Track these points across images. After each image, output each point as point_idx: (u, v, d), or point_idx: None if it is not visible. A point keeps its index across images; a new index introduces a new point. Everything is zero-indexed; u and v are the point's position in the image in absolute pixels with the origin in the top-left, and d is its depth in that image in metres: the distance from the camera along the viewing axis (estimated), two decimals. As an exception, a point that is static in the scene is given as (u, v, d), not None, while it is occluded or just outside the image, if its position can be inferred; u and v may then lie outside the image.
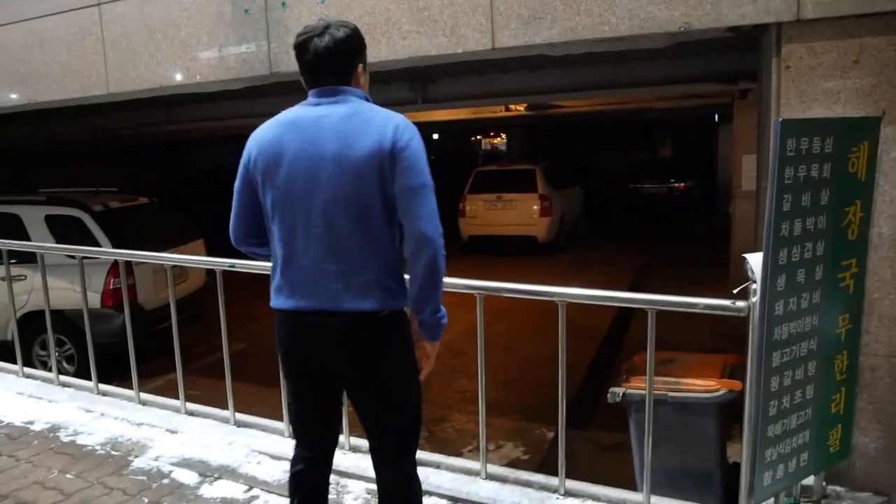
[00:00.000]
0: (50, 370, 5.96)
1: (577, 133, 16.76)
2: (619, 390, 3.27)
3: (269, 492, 2.88)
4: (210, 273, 7.14)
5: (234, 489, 2.92)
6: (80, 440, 3.42)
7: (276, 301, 1.95)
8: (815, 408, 2.51)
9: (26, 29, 4.62)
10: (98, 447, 3.33)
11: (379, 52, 3.28)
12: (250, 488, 2.92)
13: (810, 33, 2.63)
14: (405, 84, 7.05)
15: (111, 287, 5.88)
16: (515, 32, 2.99)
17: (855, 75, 2.60)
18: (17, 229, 6.09)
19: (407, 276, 1.91)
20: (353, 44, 1.89)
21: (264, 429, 3.39)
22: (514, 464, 4.35)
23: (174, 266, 6.48)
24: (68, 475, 3.07)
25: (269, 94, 7.23)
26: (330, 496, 2.24)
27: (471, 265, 10.94)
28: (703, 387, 3.11)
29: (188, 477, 3.03)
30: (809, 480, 2.66)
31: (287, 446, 3.17)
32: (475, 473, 2.89)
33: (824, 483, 2.77)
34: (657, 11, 2.79)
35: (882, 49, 2.55)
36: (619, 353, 6.64)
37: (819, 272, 2.40)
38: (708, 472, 3.20)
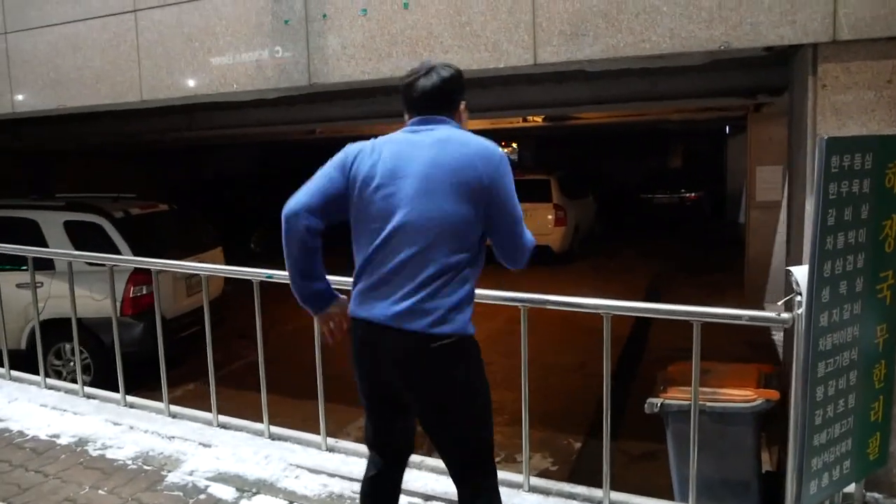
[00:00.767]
0: (65, 380, 6.04)
1: (590, 143, 16.83)
2: (657, 401, 3.31)
3: (311, 507, 2.86)
4: (229, 281, 7.21)
5: (274, 505, 2.89)
6: (110, 454, 3.35)
7: (359, 310, 1.99)
8: (857, 416, 2.56)
9: (58, 33, 4.69)
10: (129, 461, 3.27)
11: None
12: (291, 503, 2.91)
13: (846, 54, 2.70)
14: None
15: (131, 295, 5.90)
16: (558, 49, 3.06)
17: (888, 94, 2.66)
18: (35, 235, 6.07)
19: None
20: (457, 83, 2.05)
21: (300, 441, 3.39)
22: (543, 475, 4.38)
23: (193, 275, 6.63)
24: (100, 491, 3.00)
25: (295, 103, 7.32)
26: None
27: (486, 275, 10.96)
28: (740, 397, 3.15)
29: (225, 492, 2.98)
30: (850, 488, 2.70)
31: (324, 460, 3.20)
32: (517, 486, 2.92)
33: (864, 490, 2.81)
34: (697, 31, 2.85)
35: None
36: (641, 361, 6.69)
37: (859, 284, 2.45)
38: (746, 481, 3.25)
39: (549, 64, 3.11)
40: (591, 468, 5.05)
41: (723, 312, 2.52)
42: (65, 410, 3.90)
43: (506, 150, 26.46)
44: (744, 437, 3.21)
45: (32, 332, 5.93)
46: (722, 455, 3.24)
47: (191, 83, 4.16)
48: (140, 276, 5.81)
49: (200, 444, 3.44)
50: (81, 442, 3.51)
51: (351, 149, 2.03)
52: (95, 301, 5.58)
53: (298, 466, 3.18)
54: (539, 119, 9.29)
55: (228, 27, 3.95)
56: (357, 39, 3.50)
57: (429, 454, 3.10)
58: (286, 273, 3.30)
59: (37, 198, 7.00)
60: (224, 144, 14.44)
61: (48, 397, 4.12)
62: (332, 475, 3.10)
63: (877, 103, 2.70)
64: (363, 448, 3.38)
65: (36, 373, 4.39)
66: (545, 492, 2.92)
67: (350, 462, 3.20)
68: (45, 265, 5.67)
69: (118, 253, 5.88)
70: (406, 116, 2.06)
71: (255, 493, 2.98)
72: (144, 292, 5.92)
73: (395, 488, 2.21)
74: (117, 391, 3.98)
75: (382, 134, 2.04)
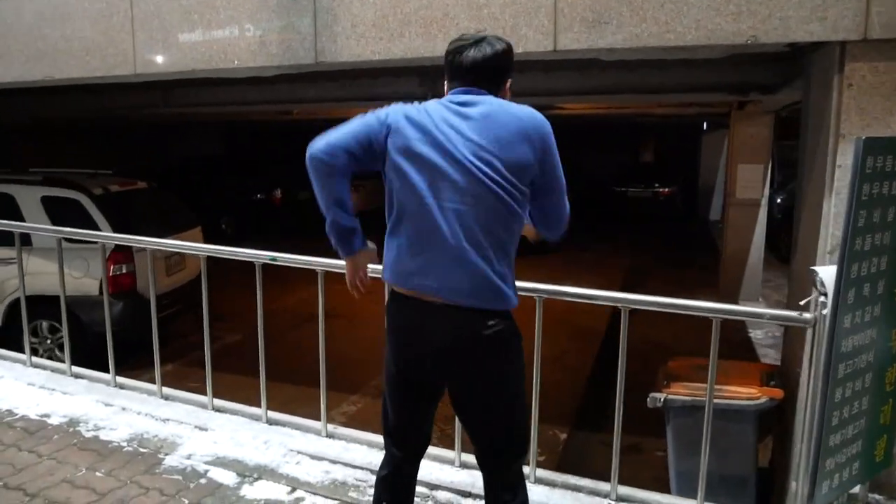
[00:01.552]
0: (42, 358, 5.82)
1: (565, 134, 16.81)
2: (660, 395, 3.32)
3: (315, 493, 2.81)
4: (209, 260, 6.95)
5: (278, 490, 2.83)
6: (104, 435, 3.26)
7: (402, 281, 1.92)
8: (868, 418, 2.58)
9: (46, 1, 4.45)
10: (124, 443, 3.19)
11: (435, 47, 3.25)
12: (293, 489, 2.83)
13: (875, 53, 2.69)
14: (415, 79, 6.99)
15: (110, 274, 5.71)
16: (579, 35, 2.99)
17: (917, 96, 2.67)
18: (11, 210, 5.82)
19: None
20: (509, 59, 1.96)
21: (299, 427, 3.31)
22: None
23: (172, 255, 6.42)
24: (97, 473, 2.93)
25: (277, 82, 7.11)
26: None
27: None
28: (745, 394, 3.17)
29: (226, 477, 2.92)
30: (855, 489, 2.73)
31: (325, 446, 3.12)
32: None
33: (867, 492, 2.85)
34: (725, 23, 2.82)
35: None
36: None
37: (881, 287, 2.46)
38: (744, 477, 3.28)
39: (568, 51, 3.04)
40: (576, 459, 5.08)
41: (744, 310, 2.52)
42: (53, 390, 3.76)
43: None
44: (745, 434, 3.24)
45: (8, 309, 5.77)
46: (722, 451, 3.26)
47: (188, 58, 3.98)
48: (120, 255, 5.61)
49: (196, 427, 3.34)
50: (73, 422, 3.39)
51: (395, 108, 1.92)
52: (74, 279, 5.37)
53: (299, 452, 3.11)
54: (524, 108, 9.23)
55: (230, 0, 3.78)
56: (368, 17, 3.38)
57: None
58: (289, 256, 3.20)
59: (10, 172, 6.69)
60: (194, 123, 14.04)
61: (35, 376, 3.97)
62: (333, 462, 3.03)
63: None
64: (363, 435, 3.32)
65: (9, 349, 4.25)
66: (551, 484, 2.89)
67: (352, 449, 3.13)
68: (23, 241, 5.43)
69: (97, 229, 5.66)
70: (446, 87, 1.96)
71: (256, 479, 2.91)
72: (124, 271, 5.72)
73: (412, 484, 2.15)
74: (98, 370, 3.85)
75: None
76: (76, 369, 3.97)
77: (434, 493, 2.83)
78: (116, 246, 5.49)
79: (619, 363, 2.70)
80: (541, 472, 2.92)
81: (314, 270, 3.10)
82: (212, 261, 3.46)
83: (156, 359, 3.64)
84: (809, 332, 2.53)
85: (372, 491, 2.21)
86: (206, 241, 7.58)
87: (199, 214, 7.65)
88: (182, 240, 6.63)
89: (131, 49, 4.11)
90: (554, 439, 4.99)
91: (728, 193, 9.16)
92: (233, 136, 17.11)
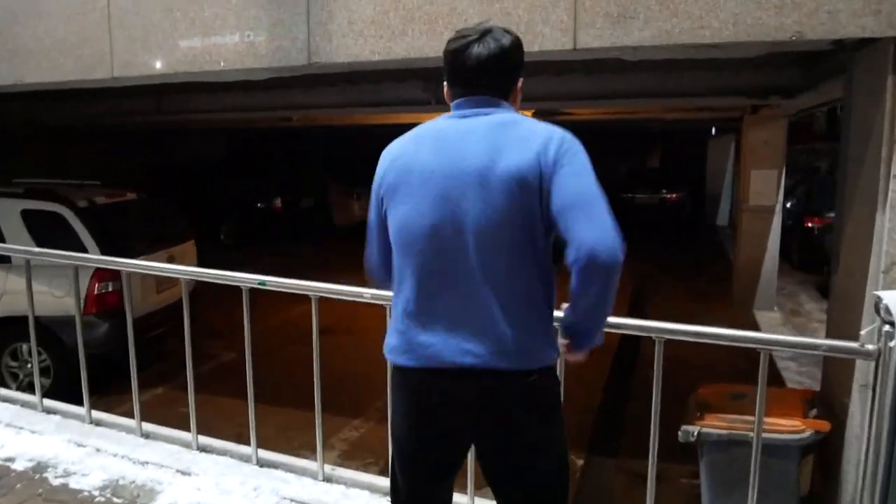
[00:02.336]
0: (22, 384, 5.47)
1: None
2: (693, 429, 3.00)
3: (309, 546, 2.51)
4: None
5: (268, 545, 2.52)
6: (74, 483, 2.89)
7: (399, 356, 1.65)
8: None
9: (16, -3, 4.14)
10: (96, 492, 2.82)
11: (440, 46, 2.94)
12: (286, 547, 2.51)
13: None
14: (419, 83, 6.70)
15: (96, 292, 5.39)
16: (602, 32, 2.69)
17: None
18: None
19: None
20: (519, 54, 1.66)
21: (293, 469, 2.96)
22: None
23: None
24: None
25: (273, 87, 6.83)
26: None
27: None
28: (788, 427, 2.85)
29: None
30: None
31: (322, 493, 2.79)
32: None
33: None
34: (766, 17, 2.51)
35: None
36: (633, 375, 6.40)
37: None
38: (786, 518, 2.96)
39: (590, 49, 2.73)
40: (596, 489, 4.76)
41: (798, 341, 2.20)
42: (21, 428, 3.39)
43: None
44: (788, 470, 2.92)
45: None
46: (762, 489, 2.95)
47: (170, 59, 3.67)
48: (106, 273, 5.29)
49: (178, 471, 2.98)
50: (40, 467, 3.03)
51: (380, 165, 1.68)
52: (55, 298, 5.06)
53: (293, 500, 2.77)
54: (528, 113, 8.94)
55: (215, -4, 3.48)
56: (367, 14, 3.08)
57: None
58: (281, 280, 2.89)
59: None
60: (194, 129, 13.75)
61: (2, 412, 3.58)
62: (332, 512, 2.70)
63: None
64: (365, 477, 2.98)
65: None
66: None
67: (352, 496, 2.80)
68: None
69: (81, 246, 5.36)
70: (446, 91, 1.69)
71: (244, 535, 2.57)
72: (110, 289, 5.40)
73: None
74: (80, 401, 3.46)
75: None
76: (48, 403, 3.60)
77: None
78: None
79: (654, 398, 2.40)
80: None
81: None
82: (246, 291, 3.09)
83: (134, 392, 3.30)
84: (870, 363, 2.22)
85: None
86: (203, 252, 7.38)
87: (196, 223, 7.37)
88: (174, 254, 6.36)
89: (108, 50, 3.80)
90: (571, 466, 4.67)
91: (740, 200, 8.85)
92: (234, 140, 16.79)
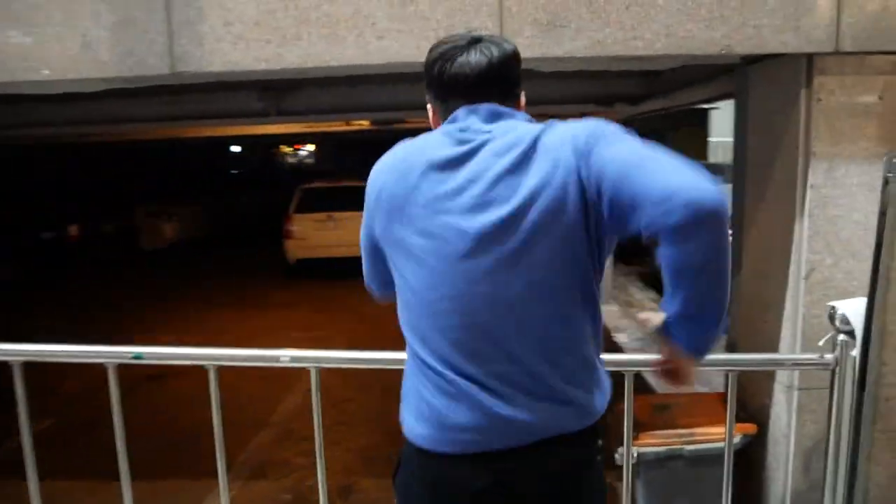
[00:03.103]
0: None
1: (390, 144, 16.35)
2: (633, 451, 2.90)
3: None
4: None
5: None
6: None
7: (416, 429, 1.30)
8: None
9: None
10: None
11: (343, 52, 2.52)
12: None
13: (843, 67, 2.51)
14: (254, 94, 6.06)
15: None
16: (531, 41, 2.46)
17: (879, 111, 2.53)
18: None
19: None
20: (519, 64, 1.42)
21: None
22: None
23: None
24: None
25: (76, 99, 5.74)
26: None
27: (305, 292, 10.02)
28: (718, 435, 2.86)
29: None
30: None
31: None
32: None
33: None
34: (697, 31, 2.45)
35: (908, 86, 2.50)
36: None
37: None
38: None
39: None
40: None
41: (763, 359, 2.17)
42: None
43: (302, 152, 24.97)
44: (722, 477, 2.94)
45: None
46: (699, 498, 2.96)
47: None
48: None
49: None
50: None
51: (372, 183, 1.39)
52: None
53: None
54: (366, 123, 8.61)
55: (31, -15, 2.70)
56: (248, 13, 2.55)
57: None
58: (165, 349, 2.35)
59: None
60: None
61: None
62: None
63: (868, 119, 2.54)
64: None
65: None
66: None
67: None
68: None
69: None
70: (433, 109, 1.43)
71: None
72: None
73: None
74: None
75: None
76: None
77: None
78: None
79: (625, 430, 2.23)
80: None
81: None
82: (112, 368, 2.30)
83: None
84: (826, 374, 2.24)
85: None
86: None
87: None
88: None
89: None
90: None
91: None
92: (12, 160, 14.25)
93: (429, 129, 1.45)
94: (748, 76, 3.02)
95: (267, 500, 4.27)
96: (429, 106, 1.45)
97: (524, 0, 2.45)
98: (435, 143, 1.32)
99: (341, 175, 11.70)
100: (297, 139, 18.56)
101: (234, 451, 4.94)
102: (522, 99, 1.45)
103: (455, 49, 1.35)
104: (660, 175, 1.12)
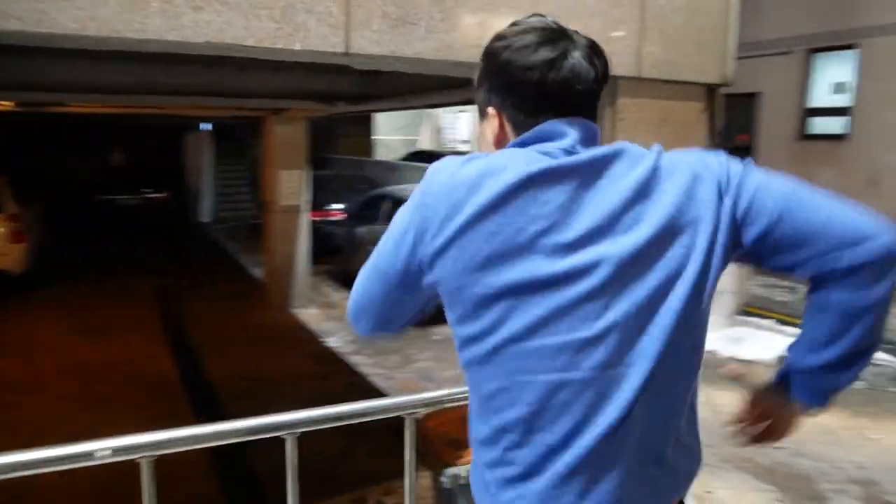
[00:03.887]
0: None
1: (41, 134, 13.22)
2: (459, 470, 2.79)
3: None
4: None
5: None
6: None
7: None
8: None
9: None
10: None
11: (145, 22, 1.88)
12: None
13: (638, 91, 2.82)
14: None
15: None
16: (379, 37, 2.17)
17: (663, 133, 2.92)
18: None
19: None
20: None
21: None
22: None
23: None
24: None
25: None
26: None
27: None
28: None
29: None
30: None
31: None
32: None
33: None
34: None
35: (679, 111, 2.94)
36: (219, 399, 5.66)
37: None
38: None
39: (365, 56, 2.19)
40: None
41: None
42: None
43: None
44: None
45: None
46: None
47: None
48: None
49: None
50: None
51: (426, 201, 1.03)
52: None
53: None
54: (9, 104, 6.83)
55: None
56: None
57: None
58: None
59: None
60: None
61: None
62: None
63: (655, 140, 2.91)
64: None
65: None
66: None
67: None
68: None
69: None
70: (507, 118, 1.09)
71: None
72: None
73: None
74: None
75: None
76: None
77: None
78: None
79: (406, 476, 1.85)
80: None
81: None
82: None
83: None
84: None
85: None
86: None
87: None
88: None
89: None
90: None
91: (268, 201, 8.83)
92: None
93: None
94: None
95: None
96: (490, 111, 1.09)
97: (372, -10, 2.15)
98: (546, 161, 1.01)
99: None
100: None
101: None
102: None
103: (556, 53, 1.03)
104: (841, 214, 1.03)
